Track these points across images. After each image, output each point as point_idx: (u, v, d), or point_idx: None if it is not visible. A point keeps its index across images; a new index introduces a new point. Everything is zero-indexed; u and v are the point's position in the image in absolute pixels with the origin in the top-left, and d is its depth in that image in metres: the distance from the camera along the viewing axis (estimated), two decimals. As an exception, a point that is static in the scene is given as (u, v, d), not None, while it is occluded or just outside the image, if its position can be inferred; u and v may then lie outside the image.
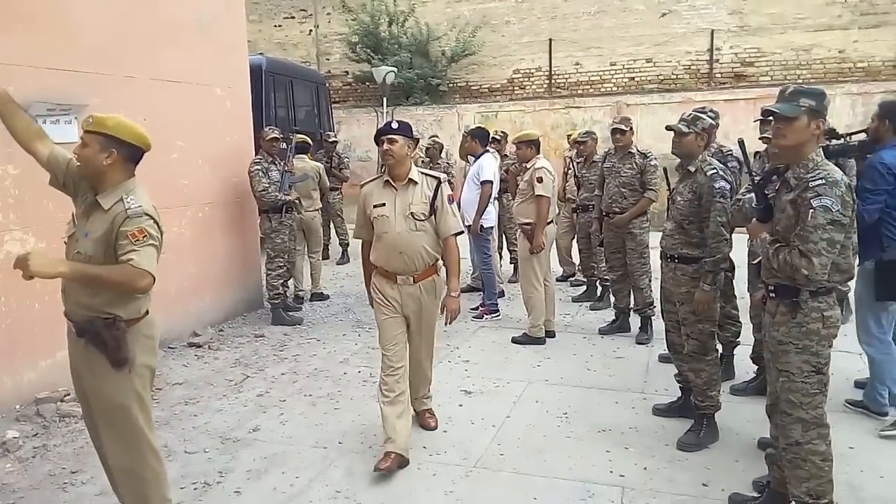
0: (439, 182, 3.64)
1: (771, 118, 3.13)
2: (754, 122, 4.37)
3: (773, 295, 2.84)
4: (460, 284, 7.96)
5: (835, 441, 2.84)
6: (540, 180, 5.55)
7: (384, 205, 3.60)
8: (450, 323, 3.77)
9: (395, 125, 3.58)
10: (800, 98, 2.69)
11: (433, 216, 3.61)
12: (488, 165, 6.51)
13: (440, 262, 3.75)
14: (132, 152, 2.66)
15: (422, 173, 3.67)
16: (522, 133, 5.93)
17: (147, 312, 2.72)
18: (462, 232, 3.75)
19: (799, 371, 2.76)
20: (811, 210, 2.60)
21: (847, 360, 4.81)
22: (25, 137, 2.75)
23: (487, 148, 6.75)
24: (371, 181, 3.77)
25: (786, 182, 2.82)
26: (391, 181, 3.63)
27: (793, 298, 2.75)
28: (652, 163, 5.69)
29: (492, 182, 6.45)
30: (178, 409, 4.47)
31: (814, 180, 2.63)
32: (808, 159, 2.71)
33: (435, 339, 4.03)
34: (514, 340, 5.75)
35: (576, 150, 7.31)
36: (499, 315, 6.58)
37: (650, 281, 5.75)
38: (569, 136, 9.59)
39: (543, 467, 3.60)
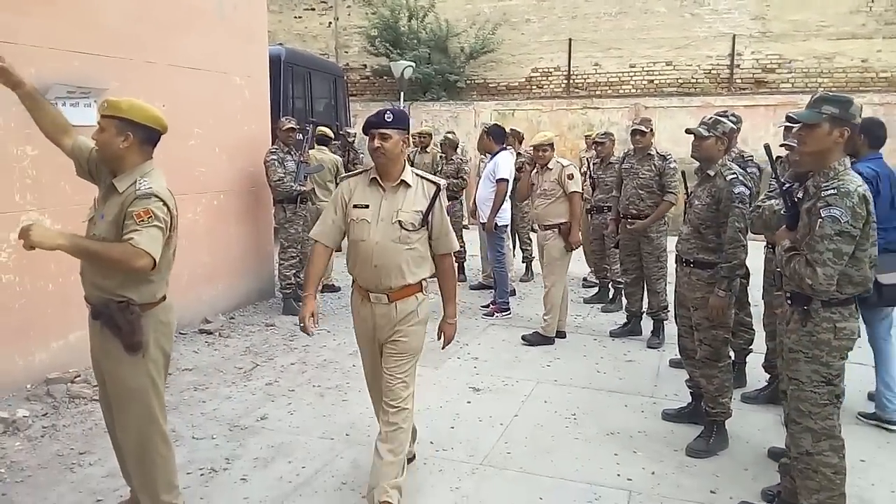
0: (438, 189, 3.03)
1: (793, 125, 3.11)
2: (777, 126, 4.33)
3: (790, 302, 2.81)
4: (470, 282, 8.13)
5: (847, 453, 2.80)
6: (571, 177, 5.60)
7: (367, 207, 3.00)
8: (444, 347, 3.37)
9: (388, 117, 2.98)
10: (823, 105, 2.65)
11: (426, 228, 3.02)
12: (504, 163, 6.49)
13: (425, 283, 3.12)
14: (148, 135, 2.66)
15: (417, 175, 3.07)
16: (544, 137, 5.83)
17: (164, 298, 2.73)
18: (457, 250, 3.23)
19: (808, 380, 2.73)
20: (819, 220, 2.58)
21: (860, 371, 4.75)
22: (52, 131, 2.79)
23: (504, 146, 6.73)
24: (354, 175, 3.16)
25: (807, 190, 2.79)
26: (379, 179, 3.03)
27: (804, 307, 2.72)
28: (671, 165, 5.63)
29: (507, 180, 6.42)
30: (188, 395, 4.48)
31: (826, 190, 2.60)
32: (829, 168, 2.67)
33: (415, 376, 3.20)
34: (525, 339, 5.73)
35: (594, 151, 7.28)
36: (509, 313, 6.56)
37: (666, 285, 5.69)
38: (587, 136, 9.58)
39: (550, 467, 3.58)
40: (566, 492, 3.34)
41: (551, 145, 5.75)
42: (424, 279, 3.09)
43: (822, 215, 2.57)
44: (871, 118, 4.26)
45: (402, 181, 3.03)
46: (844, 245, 2.56)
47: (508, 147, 6.90)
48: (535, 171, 5.96)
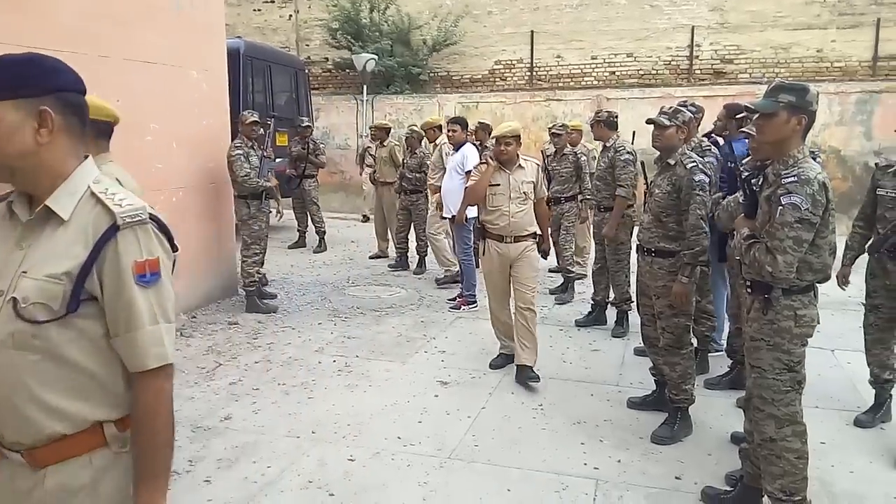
0: (114, 226, 1.41)
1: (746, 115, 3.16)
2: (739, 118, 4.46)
3: (750, 291, 2.84)
4: (437, 275, 8.14)
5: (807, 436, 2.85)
6: (545, 179, 5.08)
7: None
8: None
9: None
10: (779, 94, 2.67)
11: (95, 310, 1.42)
12: (473, 155, 6.53)
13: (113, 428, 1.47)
14: (100, 128, 2.64)
15: (95, 197, 1.44)
16: (508, 127, 4.69)
17: None
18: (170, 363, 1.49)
19: (770, 368, 2.76)
20: (780, 207, 2.59)
21: (818, 355, 4.85)
22: None
23: (467, 138, 6.80)
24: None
25: (766, 178, 2.82)
26: (15, 208, 1.48)
27: (765, 295, 2.74)
28: (622, 157, 5.55)
29: (477, 171, 6.45)
30: (149, 397, 4.39)
31: (786, 177, 2.61)
32: (788, 155, 2.69)
33: None
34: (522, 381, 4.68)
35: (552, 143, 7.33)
36: (476, 306, 6.55)
37: (627, 276, 5.72)
38: (550, 128, 9.61)
39: (518, 459, 3.59)
40: (534, 482, 3.35)
41: (517, 138, 4.70)
42: (107, 421, 1.46)
43: (783, 202, 2.58)
44: (735, 103, 4.98)
45: (48, 210, 1.43)
46: (804, 232, 2.58)
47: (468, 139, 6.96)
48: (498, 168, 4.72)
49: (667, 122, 3.83)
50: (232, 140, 6.53)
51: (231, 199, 6.61)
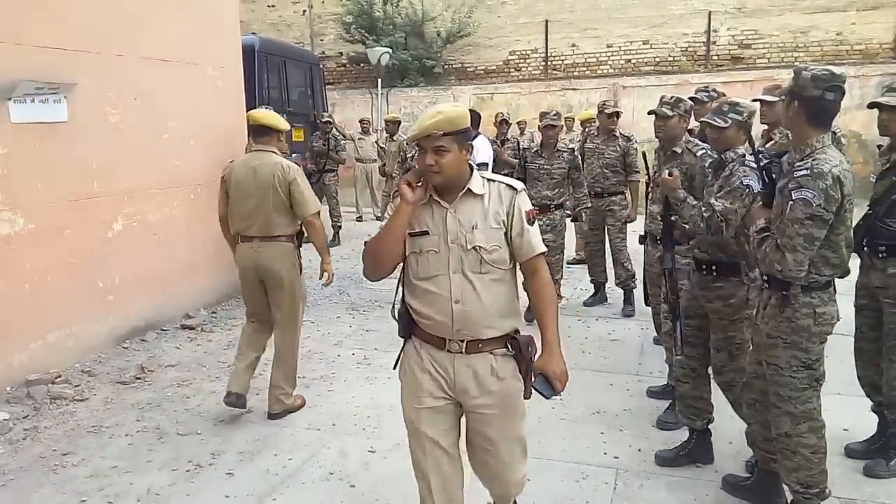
0: None
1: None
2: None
3: (767, 286, 2.71)
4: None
5: (830, 423, 2.80)
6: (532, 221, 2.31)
7: None
8: None
9: None
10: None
11: None
12: (484, 148, 6.50)
13: None
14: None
15: None
16: (438, 114, 2.21)
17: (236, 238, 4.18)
18: None
19: (787, 366, 2.65)
20: (791, 202, 2.45)
21: (840, 341, 4.79)
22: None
23: (479, 131, 6.76)
24: None
25: (781, 167, 2.73)
26: None
27: (783, 292, 2.60)
28: (634, 146, 5.97)
29: (487, 164, 6.41)
30: (171, 392, 4.44)
31: (799, 170, 2.48)
32: (805, 144, 2.56)
33: None
34: None
35: (576, 132, 7.33)
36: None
37: (629, 255, 6.04)
38: (567, 118, 9.57)
39: (537, 449, 3.58)
40: (554, 472, 3.36)
41: (460, 135, 2.15)
42: None
43: (794, 197, 2.44)
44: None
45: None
46: (816, 230, 2.43)
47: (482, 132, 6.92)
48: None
49: (669, 113, 3.83)
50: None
51: (248, 194, 6.65)
